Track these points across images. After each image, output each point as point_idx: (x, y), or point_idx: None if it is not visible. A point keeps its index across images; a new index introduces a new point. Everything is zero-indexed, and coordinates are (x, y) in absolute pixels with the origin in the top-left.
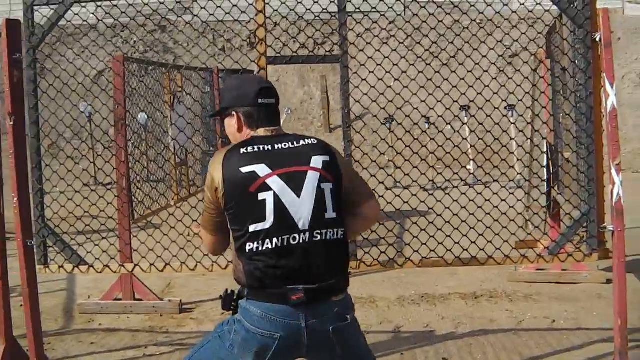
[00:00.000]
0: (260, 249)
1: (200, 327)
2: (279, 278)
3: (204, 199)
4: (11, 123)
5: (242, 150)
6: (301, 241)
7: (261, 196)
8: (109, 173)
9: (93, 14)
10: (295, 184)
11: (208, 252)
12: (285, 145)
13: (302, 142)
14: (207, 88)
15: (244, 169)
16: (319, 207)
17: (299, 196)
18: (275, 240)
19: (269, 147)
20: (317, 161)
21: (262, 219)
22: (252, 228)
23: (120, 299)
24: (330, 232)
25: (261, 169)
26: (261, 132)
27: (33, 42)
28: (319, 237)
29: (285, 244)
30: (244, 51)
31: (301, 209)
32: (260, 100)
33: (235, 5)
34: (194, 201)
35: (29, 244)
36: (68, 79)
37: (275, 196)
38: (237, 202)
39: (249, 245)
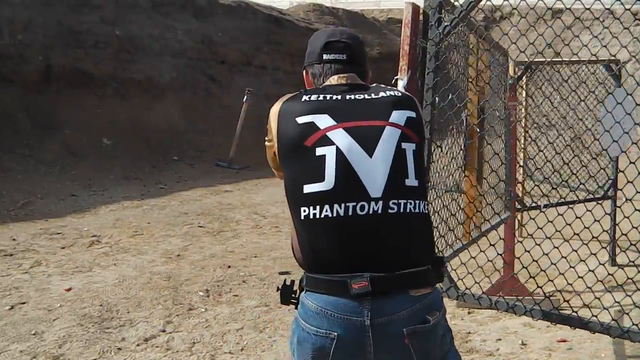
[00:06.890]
0: (317, 216)
1: None
2: (340, 259)
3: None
4: None
5: (305, 98)
6: (371, 212)
7: (320, 151)
8: None
9: None
10: (368, 141)
11: None
12: (359, 95)
13: (382, 94)
14: None
15: (301, 119)
16: (397, 171)
17: (370, 156)
18: (337, 207)
19: (338, 96)
20: (399, 116)
21: (320, 178)
22: (307, 189)
23: None
24: (410, 204)
25: (323, 120)
26: (334, 79)
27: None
28: (395, 208)
29: (351, 213)
30: None
31: (373, 171)
32: (325, 56)
33: None
34: None
35: None
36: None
37: (339, 152)
38: (290, 158)
39: (304, 211)
